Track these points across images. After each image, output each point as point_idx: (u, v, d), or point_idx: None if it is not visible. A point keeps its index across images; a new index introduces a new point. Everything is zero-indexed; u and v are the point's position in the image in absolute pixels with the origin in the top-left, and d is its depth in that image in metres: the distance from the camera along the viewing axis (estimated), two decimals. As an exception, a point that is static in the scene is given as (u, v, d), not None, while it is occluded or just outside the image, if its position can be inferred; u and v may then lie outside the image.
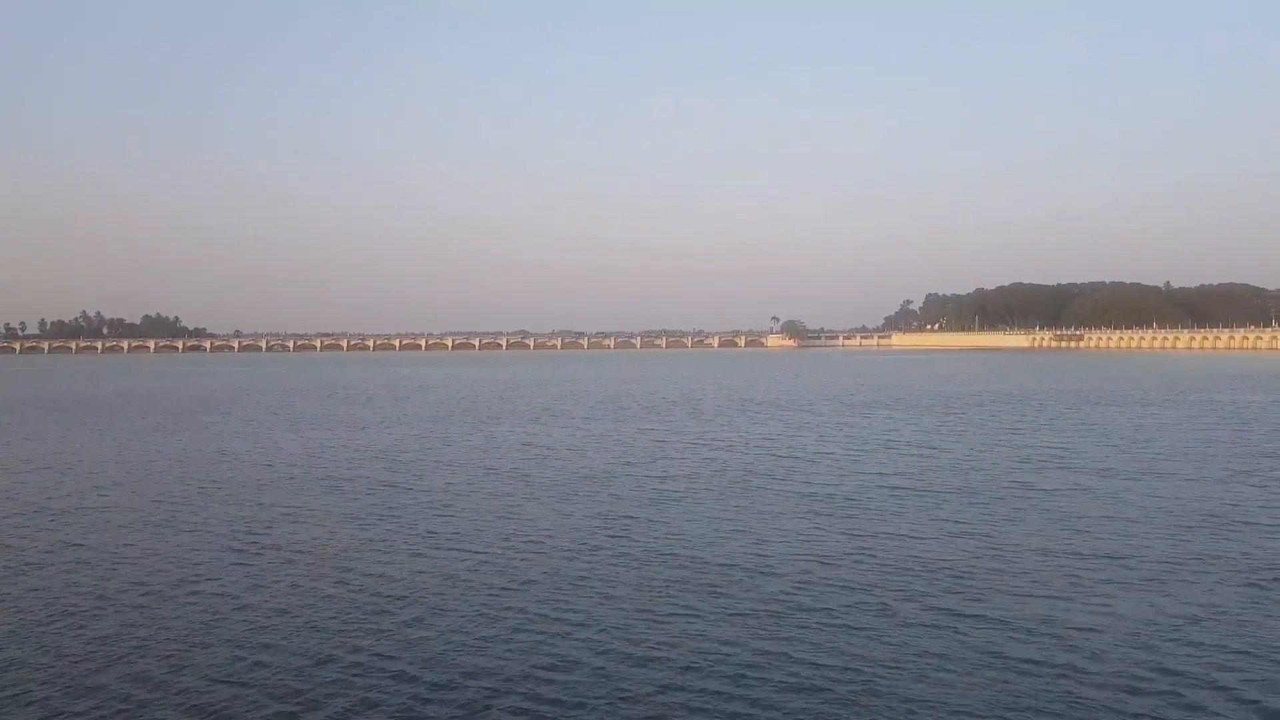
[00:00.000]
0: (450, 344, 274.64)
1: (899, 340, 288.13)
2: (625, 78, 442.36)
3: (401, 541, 18.10)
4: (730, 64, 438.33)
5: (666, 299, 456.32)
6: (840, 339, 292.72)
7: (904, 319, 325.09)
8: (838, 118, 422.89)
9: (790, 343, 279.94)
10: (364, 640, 12.33)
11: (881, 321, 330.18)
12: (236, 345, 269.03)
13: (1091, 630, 12.32)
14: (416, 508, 21.67)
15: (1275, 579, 14.72)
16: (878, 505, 21.43)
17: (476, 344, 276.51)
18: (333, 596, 14.35)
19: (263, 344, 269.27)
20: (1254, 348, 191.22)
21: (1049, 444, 33.39)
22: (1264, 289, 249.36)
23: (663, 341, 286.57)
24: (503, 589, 14.63)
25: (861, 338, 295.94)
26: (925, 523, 19.39)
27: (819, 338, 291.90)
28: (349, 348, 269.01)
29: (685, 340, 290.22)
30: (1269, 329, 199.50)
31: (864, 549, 16.98)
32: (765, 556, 16.46)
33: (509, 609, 13.57)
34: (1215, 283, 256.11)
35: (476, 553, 17.06)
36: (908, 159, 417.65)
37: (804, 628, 12.61)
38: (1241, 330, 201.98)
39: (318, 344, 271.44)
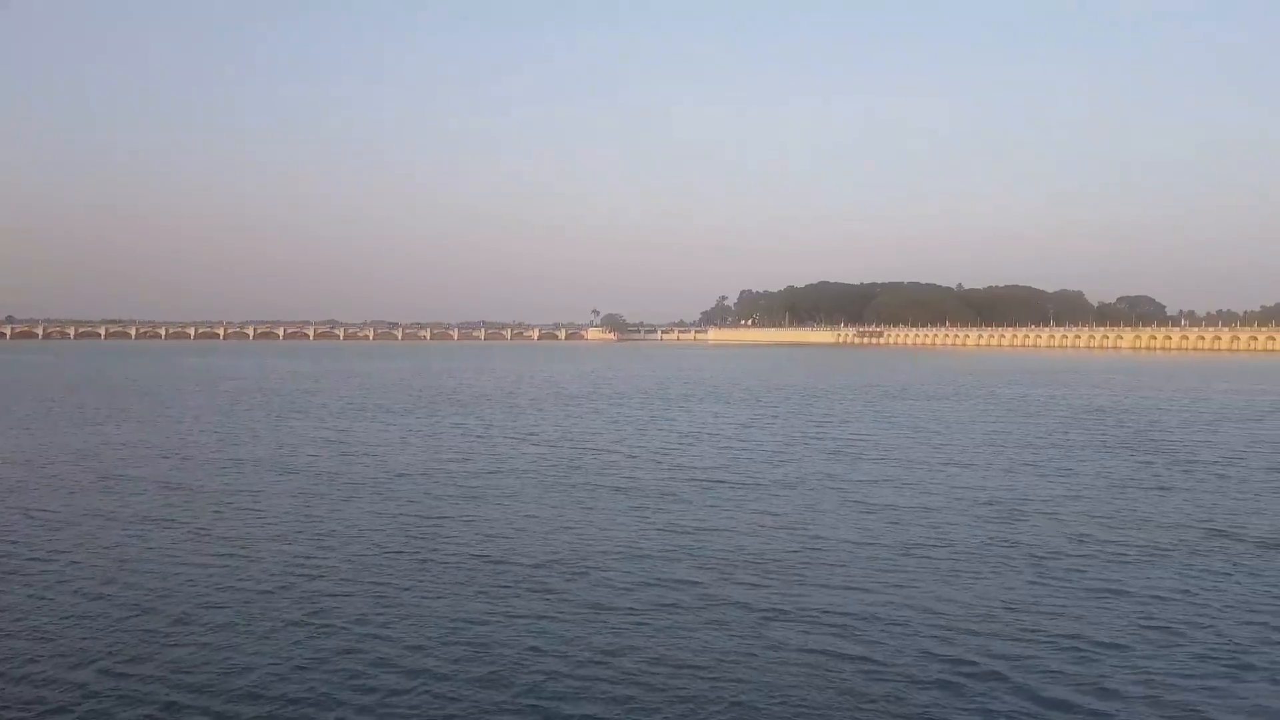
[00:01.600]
0: (252, 333, 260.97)
1: (715, 335, 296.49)
2: (436, 65, 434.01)
3: (190, 546, 16.70)
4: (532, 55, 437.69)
5: (485, 290, 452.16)
6: (659, 333, 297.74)
7: (720, 314, 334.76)
8: (662, 114, 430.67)
9: (610, 336, 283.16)
10: (131, 657, 11.18)
11: (698, 316, 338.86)
12: (9, 332, 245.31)
13: (896, 622, 12.74)
14: (208, 510, 20.11)
15: (1057, 567, 15.75)
16: (695, 499, 21.63)
17: (281, 333, 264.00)
18: (99, 608, 12.98)
19: (39, 330, 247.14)
20: (1034, 345, 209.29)
21: (857, 436, 34.91)
22: (1044, 290, 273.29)
23: (481, 333, 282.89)
24: (306, 595, 13.69)
25: (679, 332, 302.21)
26: (741, 515, 19.69)
27: (638, 331, 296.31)
28: (138, 335, 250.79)
29: (505, 332, 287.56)
30: (1046, 328, 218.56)
31: (681, 544, 17.01)
32: (586, 555, 16.22)
33: (313, 617, 12.69)
34: (1002, 285, 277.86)
35: (277, 557, 15.94)
36: (724, 159, 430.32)
37: (622, 628, 12.42)
38: (1024, 329, 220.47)
39: (102, 331, 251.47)
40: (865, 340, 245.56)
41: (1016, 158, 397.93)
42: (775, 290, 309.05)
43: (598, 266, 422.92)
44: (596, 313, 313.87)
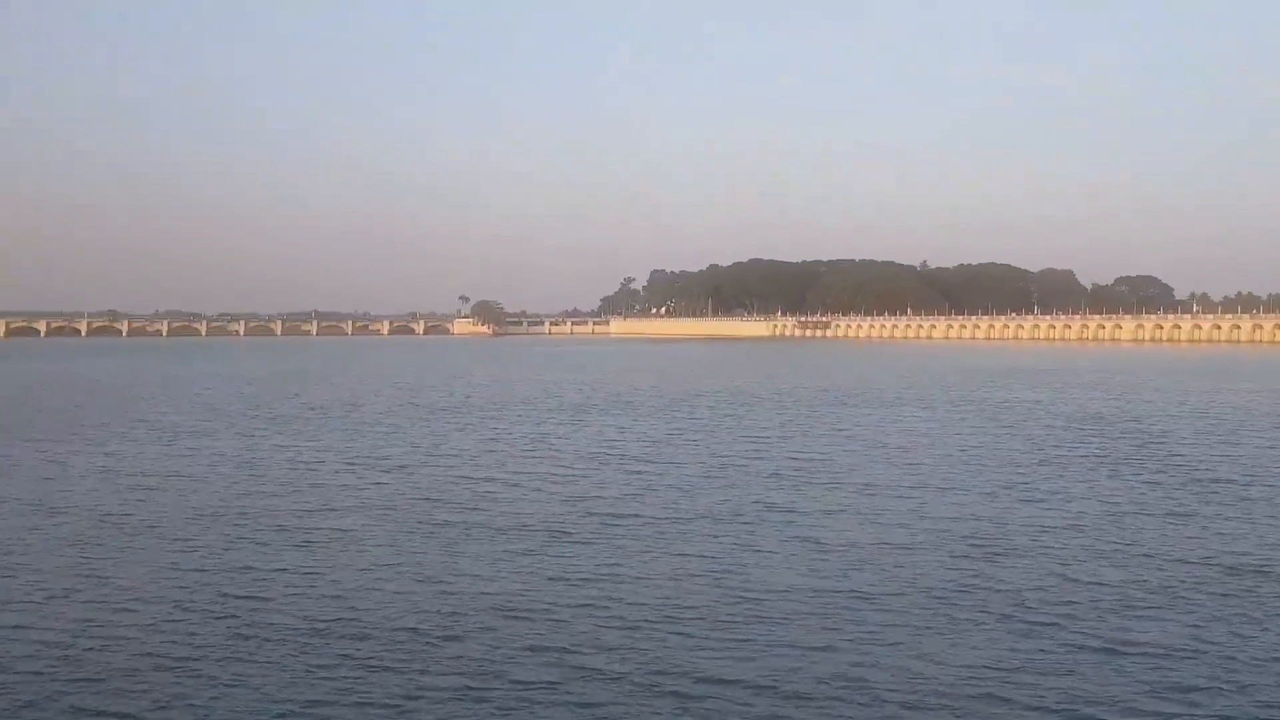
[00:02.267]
0: (4, 328, 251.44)
1: (619, 327, 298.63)
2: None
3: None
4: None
5: (319, 273, 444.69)
6: (547, 325, 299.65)
7: (625, 300, 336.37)
8: (542, 66, 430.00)
9: (484, 329, 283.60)
10: None
11: (598, 304, 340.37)
12: None
13: (849, 696, 12.90)
14: (-59, 568, 19.22)
15: (1048, 616, 16.13)
16: (596, 539, 21.56)
17: (43, 328, 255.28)
18: None
19: None
20: (1015, 336, 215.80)
21: (801, 454, 35.36)
22: (1027, 270, 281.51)
23: (313, 327, 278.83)
24: (77, 681, 13.16)
25: (573, 323, 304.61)
26: (655, 560, 19.70)
27: (520, 323, 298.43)
28: None
29: (344, 325, 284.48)
30: (1030, 316, 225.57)
31: (579, 599, 16.93)
32: (454, 616, 15.99)
33: (83, 709, 12.19)
34: (975, 262, 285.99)
35: (31, 629, 15.33)
36: (630, 110, 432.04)
37: (496, 711, 12.27)
38: (1002, 318, 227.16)
39: None
40: (808, 332, 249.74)
41: (989, 110, 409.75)
42: (695, 270, 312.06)
43: (468, 242, 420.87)
44: (466, 300, 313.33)
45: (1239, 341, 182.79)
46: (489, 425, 46.02)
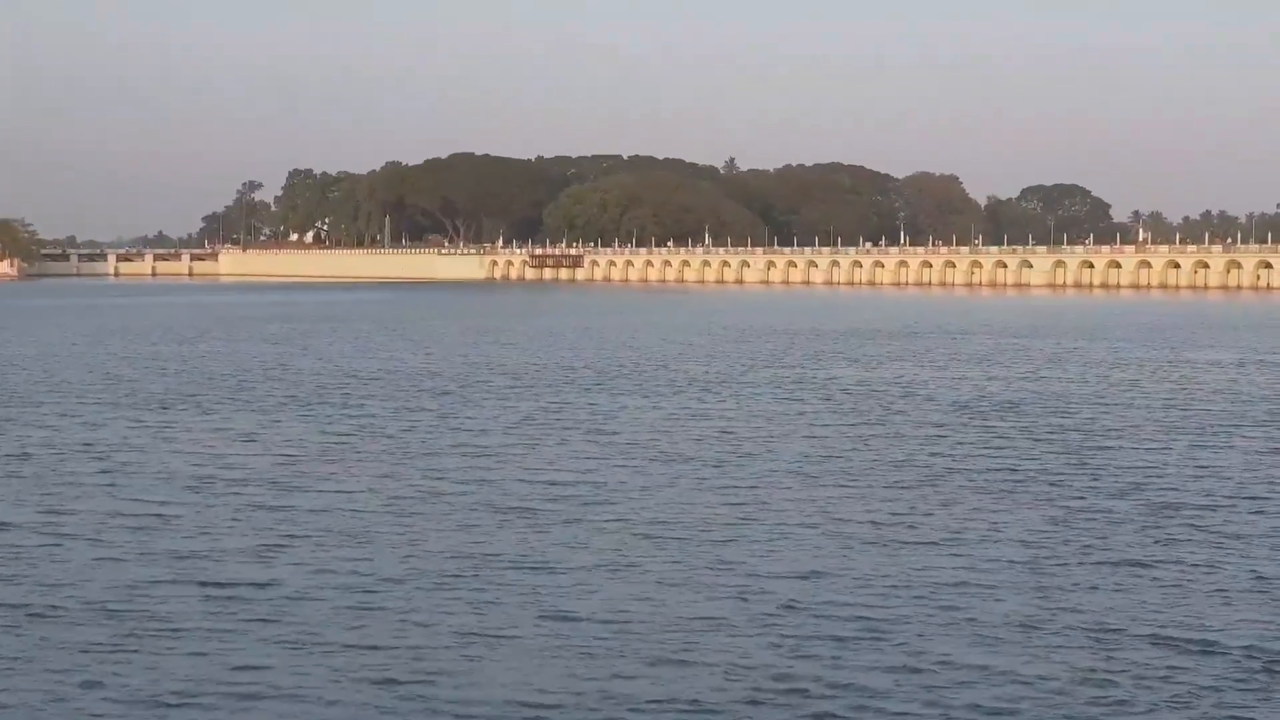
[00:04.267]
0: None
1: (234, 263, 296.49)
2: None
3: None
4: None
5: None
6: (113, 260, 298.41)
7: (242, 220, 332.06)
8: None
9: (5, 266, 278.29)
10: None
11: (199, 226, 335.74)
12: None
13: None
14: None
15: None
16: (195, 624, 20.46)
17: None
18: None
19: None
20: (872, 280, 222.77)
21: (548, 471, 35.16)
22: (889, 175, 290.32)
23: None
24: None
25: (158, 258, 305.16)
26: (303, 657, 18.83)
27: (68, 257, 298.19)
28: None
29: None
30: (895, 248, 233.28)
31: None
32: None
33: None
34: (808, 163, 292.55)
35: None
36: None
37: None
38: (852, 250, 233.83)
39: None
40: (547, 272, 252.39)
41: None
42: (362, 171, 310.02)
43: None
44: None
45: (1206, 286, 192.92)
46: (9, 431, 43.96)
